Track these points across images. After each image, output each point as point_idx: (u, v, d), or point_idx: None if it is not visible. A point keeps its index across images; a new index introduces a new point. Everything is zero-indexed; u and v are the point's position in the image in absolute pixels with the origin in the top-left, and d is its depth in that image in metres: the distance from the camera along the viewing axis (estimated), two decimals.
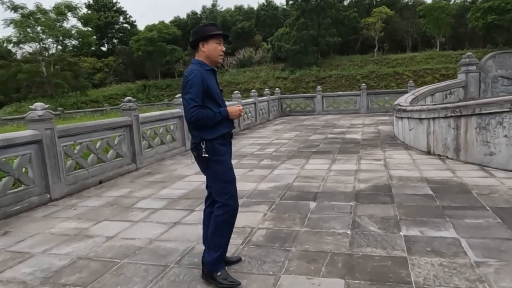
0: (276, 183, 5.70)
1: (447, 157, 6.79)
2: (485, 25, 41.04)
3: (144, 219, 4.42)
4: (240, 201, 4.89)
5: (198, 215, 4.41)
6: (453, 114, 6.55)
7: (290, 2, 50.02)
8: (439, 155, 7.02)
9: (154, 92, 45.37)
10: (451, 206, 4.21)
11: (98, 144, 6.53)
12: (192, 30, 2.95)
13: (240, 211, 4.47)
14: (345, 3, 54.54)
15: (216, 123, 2.72)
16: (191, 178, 6.30)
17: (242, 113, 2.91)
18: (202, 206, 4.68)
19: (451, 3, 49.43)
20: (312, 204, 4.57)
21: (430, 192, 4.79)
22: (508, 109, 5.57)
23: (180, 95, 9.79)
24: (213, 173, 2.81)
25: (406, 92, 16.82)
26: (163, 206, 4.86)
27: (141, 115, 7.71)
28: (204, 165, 2.80)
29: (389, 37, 49.47)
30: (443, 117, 6.83)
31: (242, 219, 4.18)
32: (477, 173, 5.67)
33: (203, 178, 6.36)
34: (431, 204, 4.33)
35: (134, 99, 7.60)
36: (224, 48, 2.83)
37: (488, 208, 4.10)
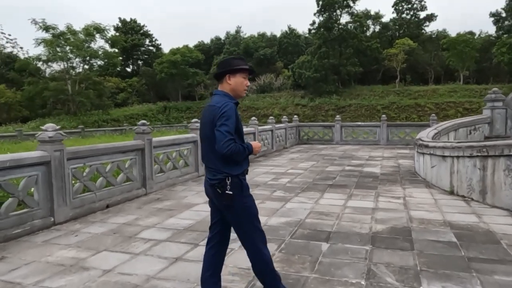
0: (288, 219, 5.41)
1: (472, 199, 6.36)
2: (511, 61, 40.33)
3: (145, 251, 4.19)
4: None
5: (202, 250, 4.12)
6: (479, 154, 6.17)
7: (313, 31, 50.56)
8: (463, 196, 6.60)
9: (174, 113, 45.95)
10: (478, 258, 3.83)
11: (108, 167, 6.40)
12: (218, 61, 3.01)
13: None
14: (368, 33, 54.83)
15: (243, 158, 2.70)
16: (200, 208, 6.07)
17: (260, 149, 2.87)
18: None
19: (475, 37, 49.03)
20: (325, 246, 4.26)
21: (454, 240, 4.41)
22: None
23: (196, 120, 9.71)
24: (241, 210, 2.70)
25: (428, 126, 16.41)
26: (167, 238, 4.63)
27: (154, 139, 7.61)
28: (228, 202, 2.66)
29: (411, 68, 49.15)
30: (468, 156, 6.46)
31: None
32: (506, 219, 5.24)
33: None
34: (456, 254, 3.95)
35: (148, 123, 7.51)
36: (249, 83, 2.85)
37: None
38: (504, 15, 45.94)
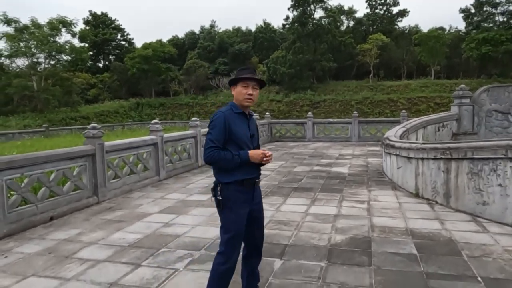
0: None
1: (437, 202, 6.20)
2: (480, 56, 41.38)
3: (78, 275, 3.75)
4: (196, 254, 4.28)
5: (142, 272, 3.78)
6: (443, 156, 6.00)
7: (287, 26, 50.39)
8: (427, 199, 6.43)
9: (147, 110, 44.89)
10: (437, 274, 3.59)
11: (52, 176, 5.89)
12: None
13: (193, 269, 3.86)
14: (342, 28, 55.08)
15: (235, 167, 2.66)
16: (152, 218, 5.65)
17: (269, 158, 2.71)
18: (151, 260, 4.08)
19: (446, 32, 50.01)
20: (278, 263, 3.94)
21: (414, 251, 4.17)
22: (502, 156, 5.03)
23: (156, 121, 9.24)
24: (223, 218, 2.78)
25: (398, 122, 16.43)
26: (107, 257, 4.20)
27: (107, 143, 7.11)
28: (219, 208, 2.76)
29: (385, 64, 49.72)
30: (432, 158, 6.29)
31: (192, 280, 3.56)
32: (469, 225, 5.07)
33: (164, 219, 5.73)
34: (414, 270, 3.71)
35: (100, 126, 7.00)
36: (251, 92, 2.75)
37: (479, 278, 3.49)
38: (473, 11, 46.96)
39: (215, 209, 6.08)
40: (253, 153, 2.68)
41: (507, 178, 5.01)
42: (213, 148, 2.63)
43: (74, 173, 6.36)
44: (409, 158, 7.06)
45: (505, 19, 44.24)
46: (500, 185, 5.09)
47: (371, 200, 6.55)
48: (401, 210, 5.88)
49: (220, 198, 2.70)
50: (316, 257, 4.09)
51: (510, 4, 43.24)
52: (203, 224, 5.38)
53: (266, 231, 4.95)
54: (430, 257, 4.01)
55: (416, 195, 6.76)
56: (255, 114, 18.39)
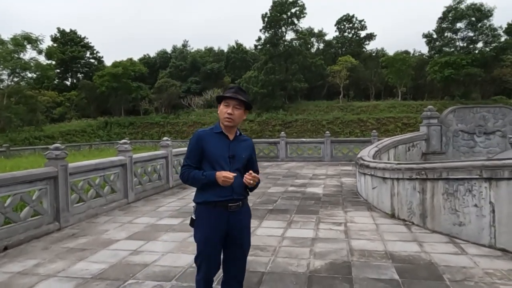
0: None
1: (413, 223, 6.15)
2: (443, 78, 43.29)
3: None
4: (167, 286, 3.95)
5: None
6: (418, 177, 5.98)
7: (259, 47, 51.08)
8: (404, 220, 6.37)
9: (116, 129, 43.79)
10: None
11: (8, 202, 5.41)
12: None
13: None
14: (312, 50, 56.44)
15: (204, 187, 2.66)
16: (119, 246, 5.26)
17: (226, 180, 2.56)
18: None
19: (411, 55, 52.18)
20: None
21: (396, 277, 4.02)
22: (477, 176, 5.03)
23: (125, 140, 8.87)
24: (195, 237, 2.78)
25: (369, 142, 16.68)
26: None
27: (71, 164, 6.67)
28: (192, 227, 2.79)
29: (354, 85, 51.14)
30: (408, 179, 6.26)
31: None
32: (447, 247, 5.01)
33: (132, 246, 5.34)
34: None
35: (63, 146, 6.58)
36: (230, 111, 2.70)
37: None
38: (435, 36, 49.34)
39: (186, 234, 5.81)
40: (219, 174, 2.58)
41: (482, 199, 5.00)
42: (185, 167, 2.72)
43: (34, 197, 5.88)
44: (384, 178, 7.03)
45: (465, 44, 46.71)
46: (475, 205, 5.08)
47: (347, 222, 6.42)
48: (379, 232, 5.77)
49: (193, 217, 2.75)
50: (295, 285, 3.86)
51: (469, 31, 45.78)
52: (174, 250, 5.05)
53: None
54: (413, 282, 3.86)
55: (392, 215, 6.69)
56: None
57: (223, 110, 2.72)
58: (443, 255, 4.69)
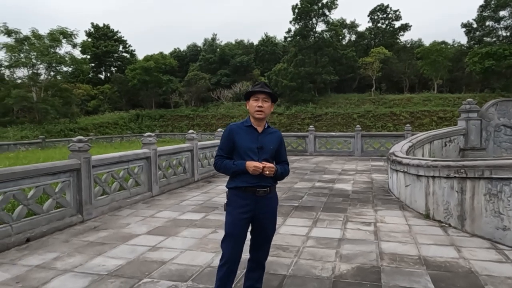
0: None
1: (450, 225, 5.68)
2: (483, 70, 41.10)
3: None
4: (182, 286, 3.76)
5: None
6: (456, 175, 5.50)
7: (289, 39, 50.37)
8: (439, 222, 5.91)
9: (147, 122, 44.55)
10: None
11: (30, 193, 5.41)
12: None
13: None
14: (343, 42, 55.09)
15: (235, 175, 2.92)
16: (138, 241, 5.14)
17: (260, 170, 2.81)
18: None
19: (448, 46, 49.86)
20: None
21: (431, 286, 3.65)
22: None
23: (149, 133, 8.81)
24: (225, 219, 3.01)
25: (402, 136, 15.97)
26: None
27: (94, 157, 6.63)
28: (225, 210, 3.02)
29: (387, 77, 49.51)
30: (445, 177, 5.79)
31: None
32: (489, 253, 4.55)
33: (151, 242, 5.21)
34: None
35: (87, 139, 6.53)
36: (260, 104, 2.93)
37: None
38: (475, 25, 46.89)
39: (207, 231, 5.63)
40: (248, 163, 2.84)
41: None
42: (218, 157, 3.03)
43: (57, 190, 5.87)
44: (418, 176, 6.56)
45: (508, 34, 44.11)
46: None
47: (377, 222, 6.03)
48: (412, 234, 5.36)
49: (226, 201, 3.02)
50: None
51: None
52: (193, 248, 4.87)
53: None
54: None
55: (427, 216, 6.23)
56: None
57: (253, 104, 2.95)
58: (484, 262, 4.26)
